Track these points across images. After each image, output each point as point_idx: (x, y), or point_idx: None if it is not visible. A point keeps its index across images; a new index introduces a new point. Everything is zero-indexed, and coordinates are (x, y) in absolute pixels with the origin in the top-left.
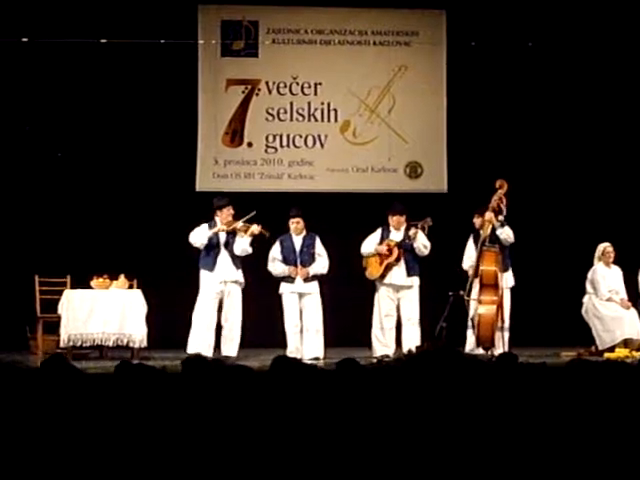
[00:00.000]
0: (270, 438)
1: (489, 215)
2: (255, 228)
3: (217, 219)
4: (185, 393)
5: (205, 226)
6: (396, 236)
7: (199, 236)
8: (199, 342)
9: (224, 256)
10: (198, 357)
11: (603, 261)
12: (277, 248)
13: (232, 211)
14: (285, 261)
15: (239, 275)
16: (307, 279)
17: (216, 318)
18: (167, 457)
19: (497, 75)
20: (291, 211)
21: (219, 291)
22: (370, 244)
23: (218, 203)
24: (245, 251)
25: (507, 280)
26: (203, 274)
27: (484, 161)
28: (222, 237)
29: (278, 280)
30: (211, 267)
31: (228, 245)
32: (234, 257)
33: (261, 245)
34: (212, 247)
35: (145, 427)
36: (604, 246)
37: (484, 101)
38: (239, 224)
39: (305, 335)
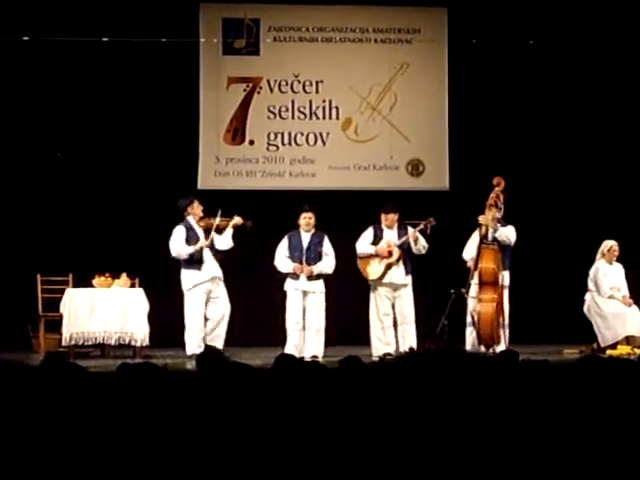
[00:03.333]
0: (273, 436)
1: (484, 218)
2: (237, 219)
3: (190, 218)
4: (191, 391)
5: (181, 228)
6: (390, 234)
7: (181, 248)
8: (197, 341)
9: (208, 254)
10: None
11: (606, 258)
12: (285, 244)
13: (201, 205)
14: (291, 258)
15: (221, 272)
16: (312, 277)
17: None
18: (170, 456)
19: (498, 73)
20: (304, 206)
21: (207, 290)
22: (365, 244)
23: (183, 202)
24: (228, 244)
25: (505, 278)
26: (189, 274)
27: (486, 159)
28: (201, 235)
29: (277, 278)
30: (198, 266)
31: (211, 243)
32: (216, 254)
33: (262, 241)
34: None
35: (148, 426)
36: (611, 244)
37: (485, 99)
38: (217, 220)
39: (306, 334)
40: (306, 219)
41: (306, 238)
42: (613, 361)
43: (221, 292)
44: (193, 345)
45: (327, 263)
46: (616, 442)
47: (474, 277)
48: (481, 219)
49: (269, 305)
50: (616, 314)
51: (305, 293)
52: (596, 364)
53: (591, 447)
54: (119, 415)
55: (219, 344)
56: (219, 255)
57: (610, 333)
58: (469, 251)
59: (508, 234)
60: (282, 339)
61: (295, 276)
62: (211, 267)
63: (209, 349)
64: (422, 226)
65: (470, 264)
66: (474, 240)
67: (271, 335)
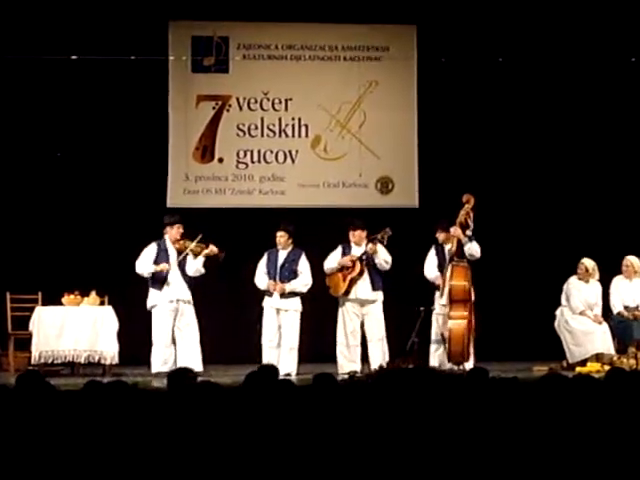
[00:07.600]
0: (242, 453)
1: (456, 230)
2: (212, 248)
3: (166, 237)
4: (160, 409)
5: (154, 247)
6: (358, 251)
7: (145, 266)
8: (163, 359)
9: (176, 275)
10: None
11: (579, 275)
12: (263, 261)
13: (182, 230)
14: (268, 275)
15: (190, 295)
16: (285, 295)
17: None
18: (139, 471)
19: (468, 91)
20: (280, 224)
21: (172, 309)
22: (332, 261)
23: (169, 220)
24: (198, 271)
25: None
26: (152, 293)
27: (455, 176)
28: (173, 256)
29: (248, 294)
30: (160, 286)
31: (180, 264)
32: (185, 277)
33: (233, 259)
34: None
35: (119, 444)
36: (581, 261)
37: (455, 116)
38: (193, 245)
39: (280, 351)
40: (277, 237)
41: (282, 256)
42: (576, 379)
43: (190, 319)
44: (158, 363)
45: (301, 281)
46: (579, 457)
47: (444, 294)
48: (452, 230)
49: (245, 322)
50: (585, 331)
51: (278, 311)
52: (558, 382)
53: (558, 462)
54: (90, 432)
55: (197, 365)
56: (188, 278)
57: (578, 350)
58: (431, 270)
59: (477, 248)
60: (253, 356)
61: (269, 293)
62: (176, 289)
63: (180, 368)
64: (378, 237)
65: (438, 282)
66: (432, 259)
67: (249, 352)
